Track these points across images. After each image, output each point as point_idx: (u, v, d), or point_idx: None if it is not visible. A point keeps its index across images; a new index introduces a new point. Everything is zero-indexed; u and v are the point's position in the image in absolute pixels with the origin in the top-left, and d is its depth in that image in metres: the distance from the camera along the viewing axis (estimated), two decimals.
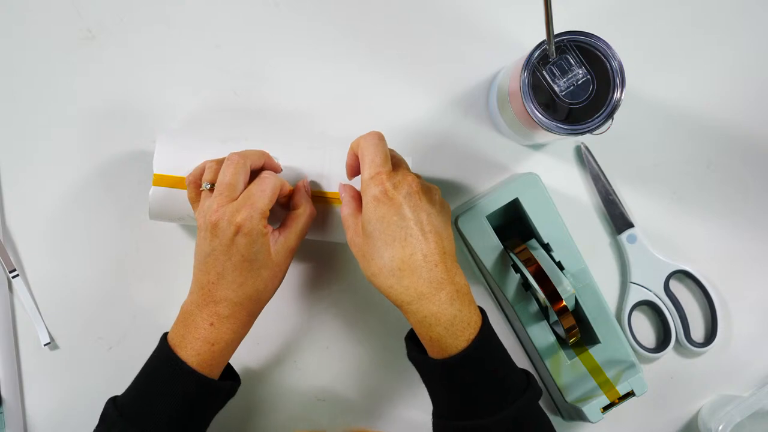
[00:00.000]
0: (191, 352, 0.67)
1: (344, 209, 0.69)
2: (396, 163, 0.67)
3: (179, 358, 0.67)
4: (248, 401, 0.81)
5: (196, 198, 0.71)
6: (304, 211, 0.70)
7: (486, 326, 0.66)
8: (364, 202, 0.66)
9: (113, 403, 0.68)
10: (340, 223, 0.72)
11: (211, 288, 0.67)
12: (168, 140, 0.73)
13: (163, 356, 0.68)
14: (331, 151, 0.73)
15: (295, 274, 0.81)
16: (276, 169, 0.72)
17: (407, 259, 0.64)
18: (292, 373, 0.81)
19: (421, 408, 0.79)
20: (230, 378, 0.71)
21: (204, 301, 0.67)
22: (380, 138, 0.67)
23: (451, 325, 0.64)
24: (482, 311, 0.67)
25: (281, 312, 0.81)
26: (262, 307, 0.69)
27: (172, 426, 0.67)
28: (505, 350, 0.68)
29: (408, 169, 0.68)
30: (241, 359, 0.81)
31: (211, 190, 0.69)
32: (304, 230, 0.70)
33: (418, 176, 0.68)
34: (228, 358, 0.69)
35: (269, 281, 0.68)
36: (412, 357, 0.68)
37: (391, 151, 0.69)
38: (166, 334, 0.70)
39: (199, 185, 0.70)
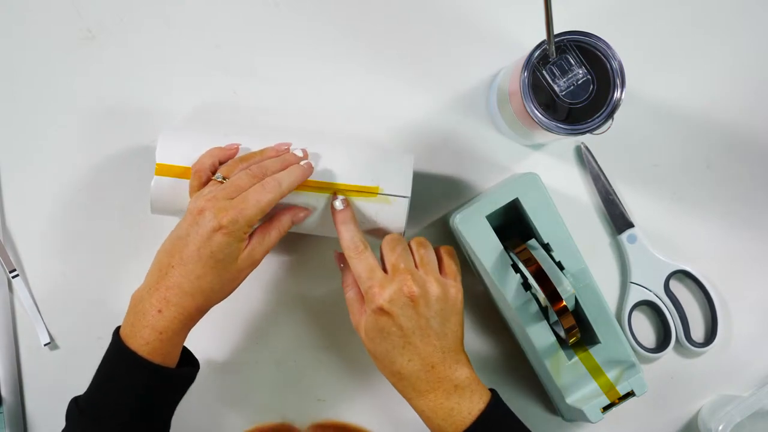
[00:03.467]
0: (141, 342, 0.66)
1: (348, 292, 0.71)
2: (397, 259, 0.69)
3: (129, 349, 0.66)
4: (248, 401, 0.81)
5: (198, 188, 0.70)
6: (277, 227, 0.70)
7: (488, 411, 0.68)
8: (365, 312, 0.69)
9: (75, 402, 0.68)
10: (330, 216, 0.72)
11: (168, 271, 0.67)
12: (172, 131, 0.74)
13: (115, 349, 0.67)
14: (333, 147, 0.73)
15: (295, 274, 0.81)
16: (307, 173, 0.71)
17: (405, 364, 0.68)
18: (292, 373, 0.81)
19: None
20: (189, 363, 0.71)
21: (156, 284, 0.67)
22: (358, 251, 0.69)
23: (449, 416, 0.68)
24: (493, 392, 0.70)
25: (281, 312, 0.81)
26: (211, 306, 0.69)
27: (132, 418, 0.66)
28: (515, 426, 0.70)
29: (406, 259, 0.69)
30: (240, 359, 0.81)
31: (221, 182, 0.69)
32: (272, 245, 0.70)
33: (417, 273, 0.68)
34: (179, 347, 0.69)
35: (226, 284, 0.68)
36: None
37: (393, 241, 0.70)
38: (118, 327, 0.69)
39: (204, 176, 0.70)
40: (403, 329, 0.67)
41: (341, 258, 0.73)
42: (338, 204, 0.71)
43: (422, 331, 0.68)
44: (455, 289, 0.70)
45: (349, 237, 0.70)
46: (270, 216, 0.70)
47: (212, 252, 0.66)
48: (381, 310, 0.67)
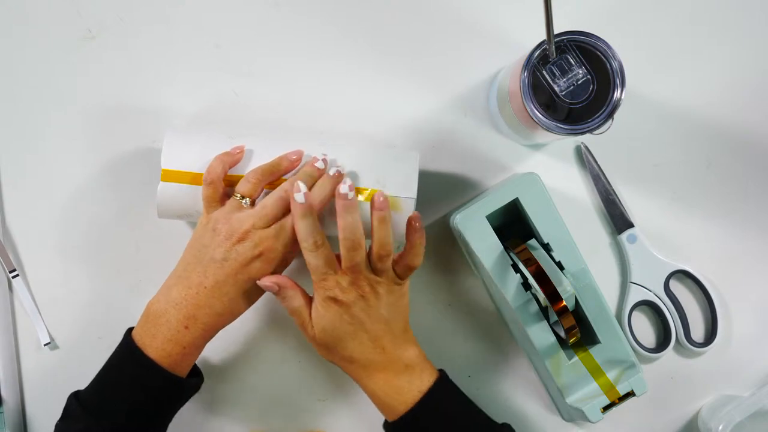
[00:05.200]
0: (162, 353, 0.67)
1: (293, 302, 0.70)
2: (357, 265, 0.68)
3: (149, 358, 0.67)
4: (249, 401, 0.81)
5: (214, 198, 0.70)
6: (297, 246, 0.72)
7: (436, 387, 0.69)
8: (316, 300, 0.69)
9: (76, 398, 0.69)
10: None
11: (200, 291, 0.68)
12: (176, 135, 0.73)
13: (131, 355, 0.68)
14: (337, 149, 0.73)
15: (297, 274, 0.81)
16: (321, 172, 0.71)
17: (357, 348, 0.69)
18: (294, 373, 0.81)
19: None
20: (194, 374, 0.73)
21: (184, 300, 0.68)
22: (317, 245, 0.68)
23: (398, 394, 0.70)
24: (441, 371, 0.71)
25: (283, 313, 0.81)
26: (232, 321, 0.71)
27: (136, 421, 0.67)
28: (463, 405, 0.71)
29: (361, 264, 0.68)
30: (242, 359, 0.81)
31: (252, 204, 0.69)
32: (290, 262, 0.72)
33: (370, 273, 0.69)
34: (195, 359, 0.70)
35: (252, 302, 0.71)
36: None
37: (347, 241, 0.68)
38: (130, 330, 0.70)
39: (219, 186, 0.70)
40: (355, 317, 0.69)
41: (274, 282, 0.70)
42: (300, 197, 0.67)
43: (373, 318, 0.69)
44: (405, 289, 0.71)
45: (308, 231, 0.68)
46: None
47: (249, 277, 0.68)
48: (335, 300, 0.68)
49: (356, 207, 0.68)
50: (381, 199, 0.68)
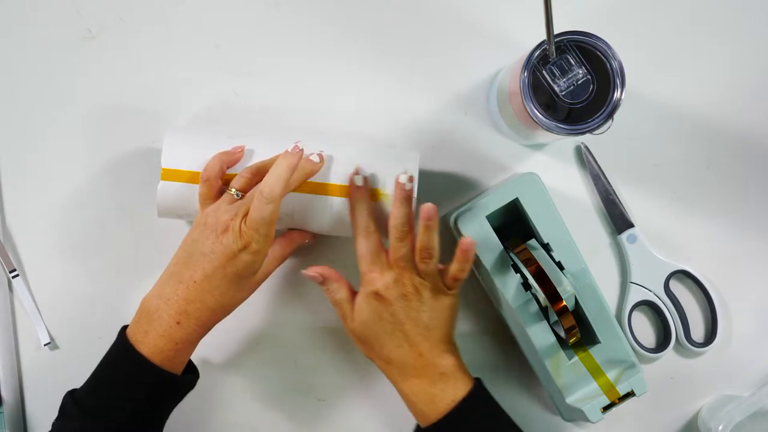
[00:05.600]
0: (155, 349, 0.67)
1: (338, 293, 0.71)
2: (401, 258, 0.69)
3: (141, 354, 0.67)
4: (248, 400, 0.81)
5: (209, 196, 0.70)
6: (290, 241, 0.73)
7: (469, 398, 0.69)
8: (360, 293, 0.71)
9: (71, 396, 0.69)
10: (340, 216, 0.72)
11: (190, 285, 0.67)
12: (176, 135, 0.73)
13: (124, 352, 0.68)
14: (338, 149, 0.73)
15: (294, 274, 0.81)
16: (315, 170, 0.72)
17: (394, 350, 0.70)
18: (292, 373, 0.81)
19: None
20: (189, 370, 0.72)
21: (175, 295, 0.68)
22: (368, 231, 0.70)
23: (431, 402, 0.69)
24: (477, 381, 0.70)
25: (281, 312, 0.81)
26: (225, 317, 0.70)
27: (132, 420, 0.67)
28: (495, 418, 0.70)
29: (407, 258, 0.69)
30: (241, 359, 0.81)
31: (241, 197, 0.69)
32: (285, 258, 0.72)
33: (416, 270, 0.70)
34: (189, 356, 0.70)
35: (245, 296, 0.70)
36: None
37: (394, 226, 0.69)
38: (124, 327, 0.70)
39: (215, 183, 0.70)
40: (395, 316, 0.69)
41: (319, 273, 0.72)
42: (359, 180, 0.71)
43: (413, 321, 0.69)
44: (452, 299, 0.71)
45: (364, 216, 0.70)
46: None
47: (237, 270, 0.67)
48: (377, 295, 0.69)
49: (411, 200, 0.70)
50: (431, 210, 0.69)
